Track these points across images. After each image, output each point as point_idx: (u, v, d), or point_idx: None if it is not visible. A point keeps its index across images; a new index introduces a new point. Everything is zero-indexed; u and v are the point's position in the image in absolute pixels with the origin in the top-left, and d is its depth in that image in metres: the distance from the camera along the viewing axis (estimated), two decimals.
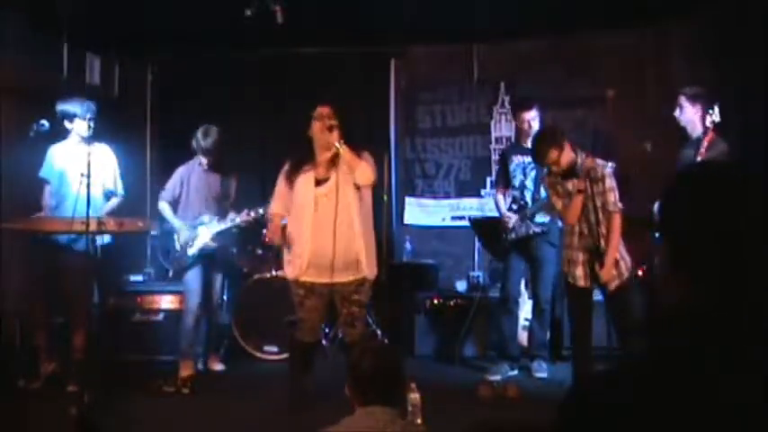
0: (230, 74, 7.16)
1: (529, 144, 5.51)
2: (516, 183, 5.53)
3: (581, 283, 4.65)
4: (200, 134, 5.37)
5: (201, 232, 5.39)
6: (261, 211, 5.28)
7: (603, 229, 4.58)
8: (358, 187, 4.36)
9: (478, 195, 7.04)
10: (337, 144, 4.31)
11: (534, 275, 5.52)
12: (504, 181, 5.67)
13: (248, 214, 5.35)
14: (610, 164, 4.67)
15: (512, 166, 5.56)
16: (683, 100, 4.79)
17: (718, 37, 5.47)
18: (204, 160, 5.44)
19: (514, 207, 5.52)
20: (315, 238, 4.33)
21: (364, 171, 4.33)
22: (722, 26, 5.45)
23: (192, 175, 5.52)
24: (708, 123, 4.48)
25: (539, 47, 6.78)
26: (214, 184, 5.49)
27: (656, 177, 4.63)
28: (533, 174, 5.45)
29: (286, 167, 4.55)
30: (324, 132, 4.35)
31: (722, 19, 5.44)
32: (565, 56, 6.73)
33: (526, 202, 5.46)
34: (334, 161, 4.40)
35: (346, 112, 4.59)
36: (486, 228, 5.95)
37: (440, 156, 7.21)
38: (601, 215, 4.59)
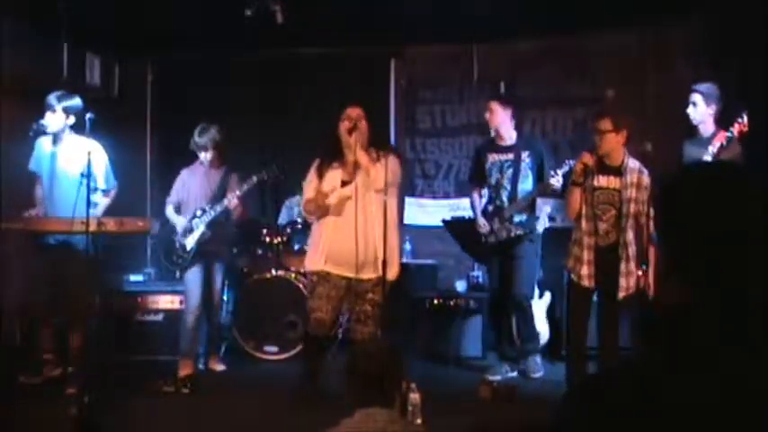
0: (230, 74, 7.17)
1: (505, 142, 5.44)
2: (492, 181, 5.43)
3: (585, 282, 4.63)
4: (196, 132, 5.41)
5: (196, 224, 5.38)
6: (246, 187, 5.30)
7: (630, 236, 4.51)
8: (380, 191, 4.43)
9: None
10: (357, 150, 4.41)
11: (511, 273, 5.38)
12: (479, 179, 5.58)
13: (236, 196, 5.30)
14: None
15: (487, 165, 5.46)
16: (697, 97, 4.76)
17: (718, 37, 5.47)
18: (205, 158, 5.44)
19: (490, 208, 5.45)
20: (335, 237, 4.46)
21: (376, 177, 4.40)
22: (722, 26, 5.44)
23: (192, 175, 5.56)
24: (735, 132, 4.43)
25: (539, 47, 6.78)
26: (213, 182, 5.48)
27: (657, 178, 4.64)
28: (510, 172, 5.35)
29: (317, 162, 4.65)
30: (345, 134, 4.46)
31: (722, 19, 5.43)
32: (565, 56, 6.72)
33: (502, 202, 5.38)
34: (358, 163, 4.48)
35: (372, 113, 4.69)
36: (463, 229, 5.80)
37: (440, 156, 7.21)
38: (630, 221, 4.51)
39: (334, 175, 4.52)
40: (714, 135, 4.68)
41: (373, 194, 4.44)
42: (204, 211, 5.38)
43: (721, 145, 4.49)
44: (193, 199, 5.49)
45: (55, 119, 4.92)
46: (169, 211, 5.57)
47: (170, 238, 5.51)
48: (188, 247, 5.39)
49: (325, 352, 4.73)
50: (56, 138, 4.99)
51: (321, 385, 4.55)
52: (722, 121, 4.72)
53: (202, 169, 5.52)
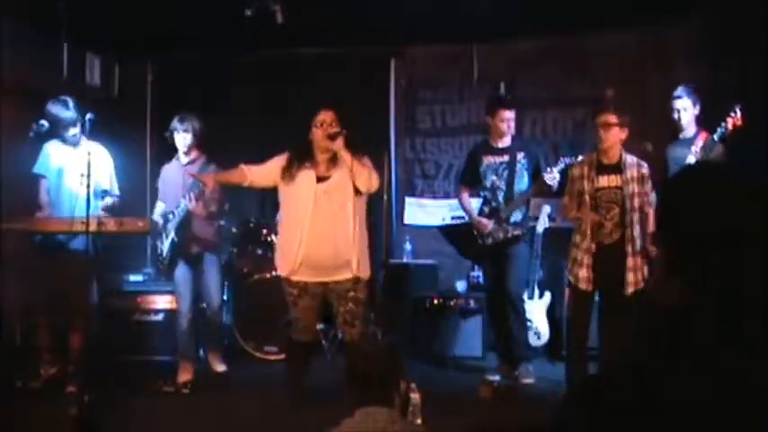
0: (230, 74, 7.16)
1: (501, 144, 5.42)
2: (488, 183, 5.40)
3: (582, 285, 4.62)
4: (175, 120, 5.24)
5: (168, 229, 5.19)
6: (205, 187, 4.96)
7: (636, 231, 4.50)
8: (356, 190, 4.41)
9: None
10: (343, 153, 4.35)
11: (503, 271, 5.34)
12: (471, 180, 5.54)
13: (192, 199, 4.97)
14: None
15: (482, 168, 5.42)
16: (686, 102, 4.77)
17: (718, 37, 5.47)
18: (183, 143, 5.24)
19: (486, 210, 5.42)
20: (311, 234, 4.37)
21: (369, 177, 4.38)
22: (722, 26, 5.44)
23: (169, 172, 5.38)
24: (730, 125, 4.43)
25: (539, 47, 6.78)
26: (187, 178, 5.17)
27: (656, 178, 4.65)
28: (506, 174, 5.33)
29: (287, 157, 4.55)
30: (325, 140, 4.40)
31: (722, 19, 5.43)
32: (565, 56, 6.73)
33: (498, 203, 5.36)
34: (333, 160, 4.45)
35: (347, 114, 4.62)
36: (459, 233, 5.75)
37: (440, 156, 7.21)
38: (636, 215, 4.51)
39: (308, 174, 4.44)
40: (696, 135, 4.68)
41: (351, 193, 4.40)
42: (173, 214, 5.15)
43: (704, 145, 4.50)
44: (170, 195, 5.27)
45: (75, 129, 4.96)
46: (156, 212, 5.37)
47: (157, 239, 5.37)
48: (164, 253, 5.22)
49: (310, 357, 4.73)
50: (74, 145, 5.00)
51: (307, 388, 4.58)
52: (703, 121, 4.74)
53: (177, 165, 5.32)
